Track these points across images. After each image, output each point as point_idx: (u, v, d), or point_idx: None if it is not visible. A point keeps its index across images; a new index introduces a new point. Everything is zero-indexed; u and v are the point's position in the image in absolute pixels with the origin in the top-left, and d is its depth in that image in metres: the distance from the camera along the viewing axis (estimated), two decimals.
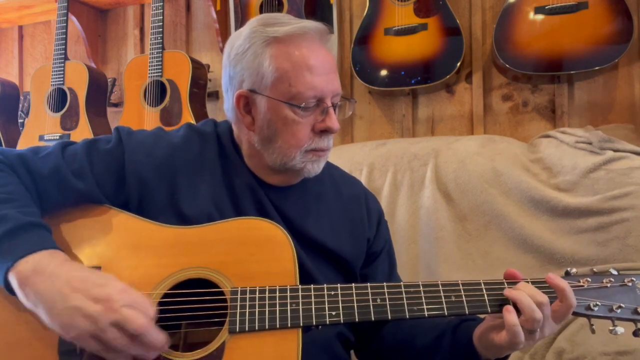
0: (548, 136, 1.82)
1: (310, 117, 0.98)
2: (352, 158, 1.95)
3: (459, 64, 1.95)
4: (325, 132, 1.00)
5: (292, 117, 0.97)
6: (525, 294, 0.87)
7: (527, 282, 0.91)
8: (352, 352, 1.17)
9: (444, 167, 1.80)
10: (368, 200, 1.19)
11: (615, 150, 1.64)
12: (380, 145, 1.97)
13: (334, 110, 1.00)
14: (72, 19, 2.61)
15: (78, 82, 2.45)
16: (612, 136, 1.69)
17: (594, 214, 1.57)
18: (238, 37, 1.02)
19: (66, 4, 2.50)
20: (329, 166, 1.18)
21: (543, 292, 0.88)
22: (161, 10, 2.34)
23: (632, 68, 1.92)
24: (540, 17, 1.85)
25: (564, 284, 0.88)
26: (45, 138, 2.47)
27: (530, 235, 1.64)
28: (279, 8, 2.23)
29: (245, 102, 1.01)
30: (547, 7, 1.84)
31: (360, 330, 1.13)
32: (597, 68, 1.78)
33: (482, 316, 0.96)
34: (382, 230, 1.19)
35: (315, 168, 1.03)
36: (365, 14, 2.12)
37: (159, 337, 0.81)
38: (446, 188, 1.78)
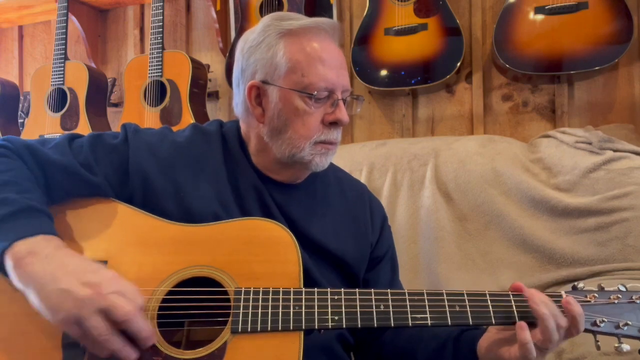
0: (548, 136, 1.82)
1: (321, 109, 1.00)
2: (352, 158, 1.94)
3: (459, 64, 1.96)
4: (335, 124, 1.01)
5: (303, 107, 0.98)
6: (550, 315, 0.86)
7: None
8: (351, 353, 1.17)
9: (444, 167, 1.80)
10: (372, 204, 1.19)
11: (615, 150, 1.64)
12: (380, 145, 1.97)
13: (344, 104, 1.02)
14: (72, 19, 2.61)
15: (78, 82, 2.45)
16: (612, 136, 1.69)
17: (594, 214, 1.57)
18: (252, 32, 1.04)
19: (66, 4, 2.50)
20: (335, 168, 1.18)
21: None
22: (161, 11, 2.34)
23: (632, 68, 1.93)
24: (540, 17, 1.85)
25: (578, 312, 0.86)
26: (45, 138, 2.46)
27: (530, 235, 1.64)
28: (278, 8, 2.22)
29: (257, 94, 1.02)
30: (547, 7, 1.84)
31: (360, 333, 1.12)
32: (597, 68, 1.79)
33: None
34: (385, 235, 1.19)
35: (323, 161, 1.03)
36: (365, 14, 2.12)
37: (144, 327, 0.81)
38: (446, 188, 1.78)
